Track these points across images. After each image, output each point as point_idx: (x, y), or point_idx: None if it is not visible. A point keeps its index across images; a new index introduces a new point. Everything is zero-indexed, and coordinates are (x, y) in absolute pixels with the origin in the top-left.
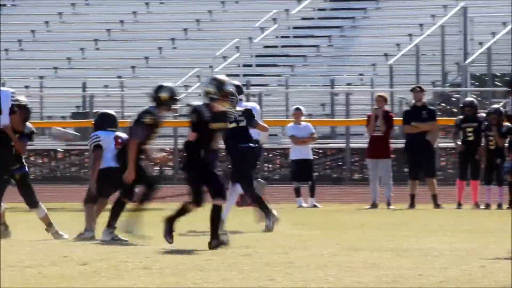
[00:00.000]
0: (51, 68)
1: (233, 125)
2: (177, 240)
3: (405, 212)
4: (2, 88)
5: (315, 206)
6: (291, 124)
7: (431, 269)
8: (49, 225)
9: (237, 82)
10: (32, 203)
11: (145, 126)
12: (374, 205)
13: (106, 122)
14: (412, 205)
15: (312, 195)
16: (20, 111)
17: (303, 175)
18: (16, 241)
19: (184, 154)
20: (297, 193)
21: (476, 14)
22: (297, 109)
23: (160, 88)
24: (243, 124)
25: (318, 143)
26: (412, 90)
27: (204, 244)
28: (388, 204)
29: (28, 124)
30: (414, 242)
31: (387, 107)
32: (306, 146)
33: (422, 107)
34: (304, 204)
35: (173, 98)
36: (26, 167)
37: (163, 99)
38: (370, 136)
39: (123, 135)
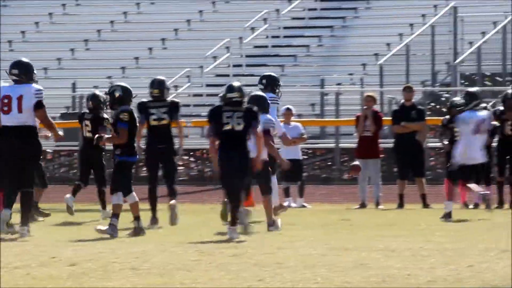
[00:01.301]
0: (41, 68)
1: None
2: (165, 240)
3: (394, 212)
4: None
5: (303, 206)
6: (281, 124)
7: (419, 269)
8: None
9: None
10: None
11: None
12: (363, 205)
13: None
14: (401, 205)
15: (301, 195)
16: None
17: (292, 175)
18: (4, 242)
19: None
20: (286, 193)
21: (466, 13)
22: (287, 109)
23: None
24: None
25: (308, 143)
26: (404, 89)
27: (193, 247)
28: (377, 204)
29: None
30: (402, 242)
31: (377, 107)
32: (296, 147)
33: (411, 107)
34: (293, 204)
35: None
36: None
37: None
38: (359, 136)
39: None
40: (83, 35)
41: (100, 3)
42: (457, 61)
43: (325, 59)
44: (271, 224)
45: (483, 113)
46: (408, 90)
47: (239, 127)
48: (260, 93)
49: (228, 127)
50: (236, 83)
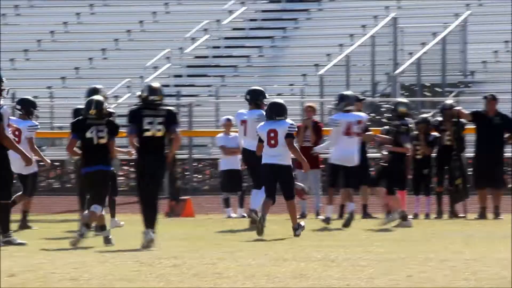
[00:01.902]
0: None
1: None
2: (105, 250)
3: (334, 222)
4: None
5: (243, 216)
6: (221, 134)
7: (358, 279)
8: None
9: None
10: None
11: None
12: (303, 215)
13: None
14: (341, 215)
15: (241, 206)
16: None
17: (232, 185)
18: None
19: None
20: (226, 203)
21: (407, 24)
22: (228, 119)
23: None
24: None
25: None
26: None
27: (133, 257)
28: (317, 214)
29: None
30: (342, 252)
31: (317, 118)
32: (236, 157)
33: None
34: (233, 215)
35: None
36: None
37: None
38: (299, 147)
39: None
40: (24, 45)
41: (40, 12)
42: (397, 71)
43: (266, 69)
44: (297, 228)
45: (356, 115)
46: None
47: (160, 133)
48: (280, 100)
49: (148, 133)
50: (156, 84)
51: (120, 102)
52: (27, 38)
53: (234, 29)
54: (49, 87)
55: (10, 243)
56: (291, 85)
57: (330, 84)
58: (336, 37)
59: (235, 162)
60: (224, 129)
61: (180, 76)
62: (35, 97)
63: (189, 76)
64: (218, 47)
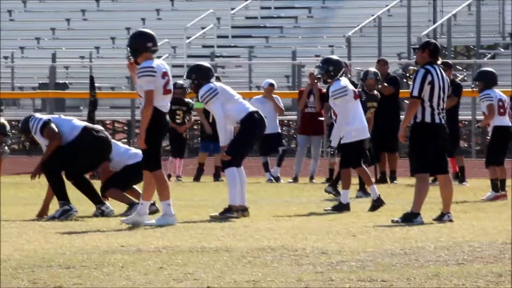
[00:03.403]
0: None
1: None
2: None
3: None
4: None
5: (278, 178)
6: (259, 96)
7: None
8: None
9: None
10: None
11: None
12: (295, 179)
13: None
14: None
15: (278, 165)
16: None
17: (271, 149)
18: None
19: None
20: (266, 167)
21: None
22: (271, 84)
23: None
24: None
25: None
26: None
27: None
28: (311, 178)
29: None
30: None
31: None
32: (274, 120)
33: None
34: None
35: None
36: None
37: None
38: (301, 112)
39: None
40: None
41: None
42: (424, 32)
43: (310, 30)
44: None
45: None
46: (381, 63)
47: None
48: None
49: None
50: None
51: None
52: None
53: None
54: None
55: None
56: (331, 46)
57: (360, 46)
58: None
59: (272, 126)
60: (265, 92)
61: (226, 37)
62: None
63: (233, 37)
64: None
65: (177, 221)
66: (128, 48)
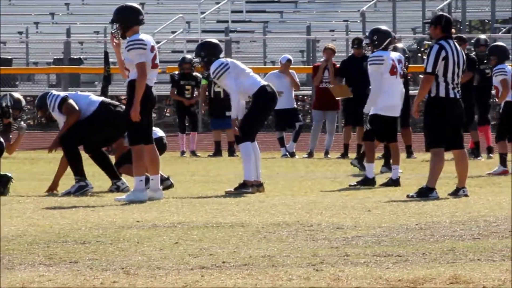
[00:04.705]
0: None
1: None
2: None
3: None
4: None
5: (293, 153)
6: (275, 71)
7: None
8: None
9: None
10: None
11: None
12: (310, 154)
13: None
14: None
15: (295, 140)
16: None
17: (286, 124)
18: None
19: None
20: (281, 142)
21: None
22: (289, 60)
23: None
24: None
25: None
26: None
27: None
28: (326, 153)
29: None
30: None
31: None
32: (289, 94)
33: (362, 58)
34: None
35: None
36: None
37: None
38: (316, 88)
39: None
40: None
41: None
42: (439, 7)
43: (324, 5)
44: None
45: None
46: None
47: None
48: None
49: None
50: None
51: (174, 38)
52: None
53: None
54: None
55: None
56: (345, 21)
57: (375, 21)
58: None
59: (288, 101)
60: (282, 68)
61: (240, 11)
62: None
63: (248, 12)
64: None
65: (163, 196)
66: (116, 23)
